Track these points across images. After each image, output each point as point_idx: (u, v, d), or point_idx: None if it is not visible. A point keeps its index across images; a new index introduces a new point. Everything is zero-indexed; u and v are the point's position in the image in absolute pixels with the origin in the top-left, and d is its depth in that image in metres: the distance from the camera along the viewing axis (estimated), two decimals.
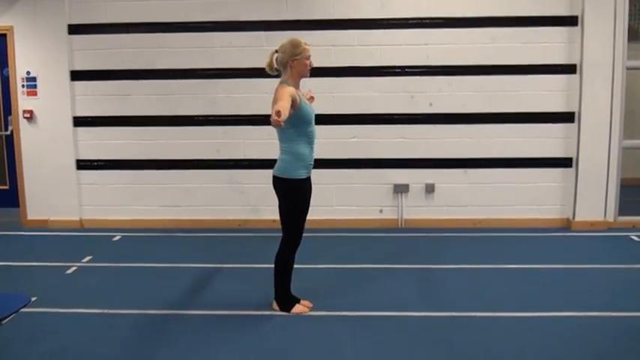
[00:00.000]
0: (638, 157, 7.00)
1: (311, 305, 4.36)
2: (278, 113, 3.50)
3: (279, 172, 4.08)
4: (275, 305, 4.31)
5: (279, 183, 4.10)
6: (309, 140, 4.10)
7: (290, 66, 4.03)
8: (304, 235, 4.23)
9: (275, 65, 4.09)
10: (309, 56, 4.07)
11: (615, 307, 4.30)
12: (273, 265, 4.31)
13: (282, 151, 4.10)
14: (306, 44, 4.06)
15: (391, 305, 4.38)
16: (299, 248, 4.29)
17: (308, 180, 4.17)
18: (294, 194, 4.10)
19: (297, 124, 3.99)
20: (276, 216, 4.24)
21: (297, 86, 4.06)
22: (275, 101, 3.90)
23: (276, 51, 4.09)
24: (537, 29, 6.24)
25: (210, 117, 6.52)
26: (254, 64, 6.37)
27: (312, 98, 4.39)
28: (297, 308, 4.28)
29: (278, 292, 4.29)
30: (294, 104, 3.89)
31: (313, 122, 4.12)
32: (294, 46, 4.03)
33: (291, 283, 4.29)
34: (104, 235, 6.37)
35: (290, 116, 3.85)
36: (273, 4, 6.35)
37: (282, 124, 3.55)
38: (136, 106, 6.54)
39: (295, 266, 4.40)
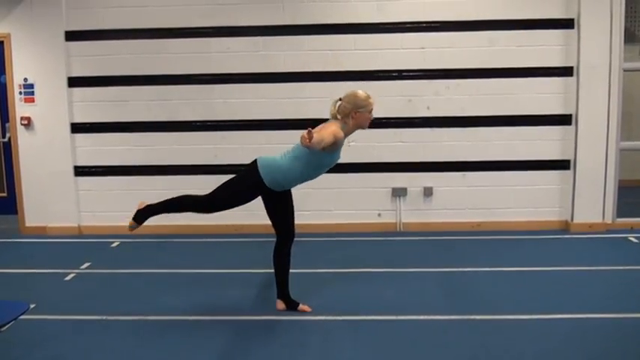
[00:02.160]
0: (635, 158, 7.02)
1: (310, 309, 4.37)
2: (310, 134, 3.53)
3: (261, 161, 4.09)
4: (141, 205, 4.30)
5: (253, 165, 4.10)
6: (309, 175, 4.12)
7: (352, 117, 4.05)
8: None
9: (337, 114, 4.08)
10: (372, 110, 4.10)
11: (614, 308, 4.30)
12: (272, 270, 4.38)
13: (285, 155, 4.10)
14: (370, 98, 4.08)
15: (390, 309, 4.37)
16: (294, 249, 4.34)
17: (270, 192, 4.13)
18: (247, 182, 4.11)
19: (318, 158, 3.98)
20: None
21: (349, 133, 4.10)
22: (321, 129, 3.93)
23: (340, 99, 4.09)
24: (534, 32, 6.25)
25: (208, 122, 6.53)
26: (252, 70, 6.42)
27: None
28: (132, 223, 4.28)
29: (156, 207, 4.27)
30: (332, 146, 3.91)
31: (327, 168, 4.15)
32: (360, 99, 4.05)
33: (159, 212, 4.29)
34: (102, 241, 6.36)
35: (316, 147, 3.79)
36: (271, 10, 6.36)
37: (307, 144, 3.55)
38: (133, 112, 6.54)
39: (294, 270, 4.42)
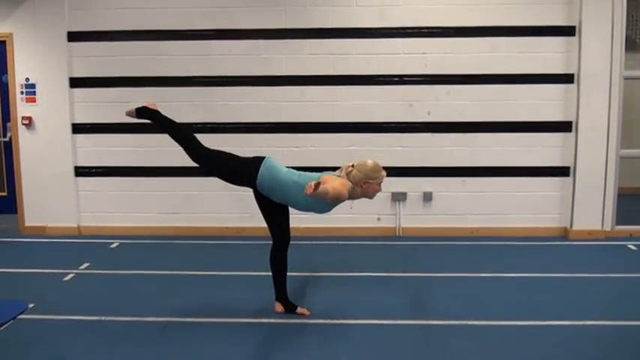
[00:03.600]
0: (635, 166, 7.02)
1: (308, 312, 4.37)
2: (317, 185, 3.56)
3: (268, 162, 4.10)
4: (153, 106, 4.38)
5: (259, 160, 4.12)
6: (295, 204, 4.12)
7: (360, 185, 4.06)
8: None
9: (346, 178, 4.07)
10: (381, 182, 4.11)
11: (612, 315, 4.31)
12: (270, 272, 4.37)
13: (291, 173, 4.10)
14: (382, 170, 4.08)
15: (388, 313, 4.38)
16: (294, 252, 4.36)
17: (259, 194, 4.18)
18: (244, 170, 4.15)
19: (314, 198, 3.90)
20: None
21: (352, 198, 4.10)
22: (330, 181, 3.90)
23: (353, 165, 4.10)
24: (535, 39, 6.27)
25: (209, 124, 6.53)
26: (253, 72, 6.43)
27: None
28: (132, 111, 4.39)
29: (162, 118, 4.34)
30: (332, 200, 3.90)
31: (313, 212, 4.17)
32: (373, 170, 4.05)
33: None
34: (102, 242, 6.36)
35: (318, 196, 3.76)
36: (273, 13, 6.38)
37: (310, 192, 3.57)
38: None
39: (292, 274, 4.43)
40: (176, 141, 4.31)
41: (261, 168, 4.09)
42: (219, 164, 4.25)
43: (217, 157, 4.26)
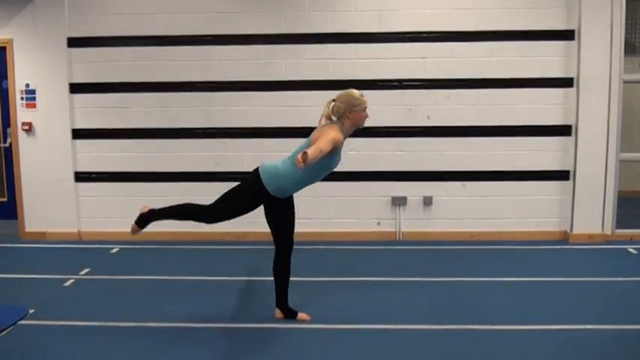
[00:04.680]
0: (635, 169, 7.03)
1: (309, 318, 4.37)
2: (305, 156, 3.55)
3: (263, 169, 4.11)
4: (144, 209, 4.43)
5: (255, 173, 4.12)
6: (311, 179, 4.14)
7: (347, 116, 4.09)
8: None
9: (332, 114, 4.12)
10: (366, 108, 4.14)
11: (612, 320, 4.30)
12: (272, 277, 4.37)
13: (286, 161, 4.12)
14: (362, 96, 4.13)
15: (389, 318, 4.37)
16: (294, 257, 4.35)
17: (273, 200, 4.15)
18: (250, 191, 4.14)
19: (317, 164, 3.92)
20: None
21: (347, 134, 4.13)
22: (318, 137, 3.95)
23: (334, 100, 4.13)
24: (535, 43, 6.28)
25: (209, 129, 6.54)
26: (253, 77, 6.44)
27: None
28: (134, 227, 4.43)
29: (159, 212, 4.37)
30: (331, 150, 3.93)
31: (329, 171, 4.19)
32: (353, 97, 4.10)
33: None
34: (102, 247, 6.36)
35: (317, 159, 3.78)
36: (273, 18, 6.39)
37: (304, 167, 3.58)
38: (134, 118, 6.55)
39: (293, 279, 4.42)
40: (185, 220, 4.37)
41: (262, 177, 4.08)
42: (229, 208, 4.25)
43: (222, 205, 4.24)
